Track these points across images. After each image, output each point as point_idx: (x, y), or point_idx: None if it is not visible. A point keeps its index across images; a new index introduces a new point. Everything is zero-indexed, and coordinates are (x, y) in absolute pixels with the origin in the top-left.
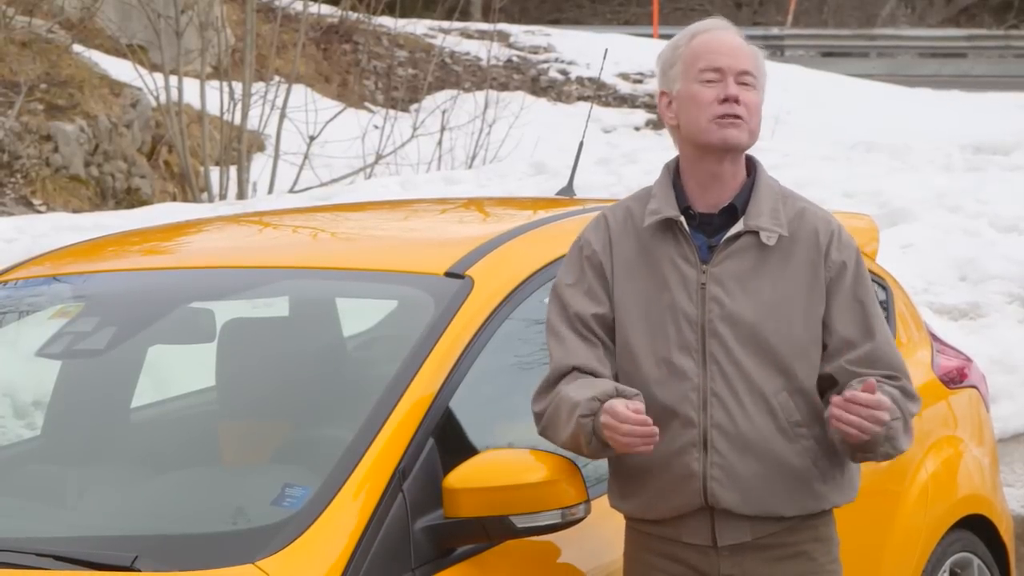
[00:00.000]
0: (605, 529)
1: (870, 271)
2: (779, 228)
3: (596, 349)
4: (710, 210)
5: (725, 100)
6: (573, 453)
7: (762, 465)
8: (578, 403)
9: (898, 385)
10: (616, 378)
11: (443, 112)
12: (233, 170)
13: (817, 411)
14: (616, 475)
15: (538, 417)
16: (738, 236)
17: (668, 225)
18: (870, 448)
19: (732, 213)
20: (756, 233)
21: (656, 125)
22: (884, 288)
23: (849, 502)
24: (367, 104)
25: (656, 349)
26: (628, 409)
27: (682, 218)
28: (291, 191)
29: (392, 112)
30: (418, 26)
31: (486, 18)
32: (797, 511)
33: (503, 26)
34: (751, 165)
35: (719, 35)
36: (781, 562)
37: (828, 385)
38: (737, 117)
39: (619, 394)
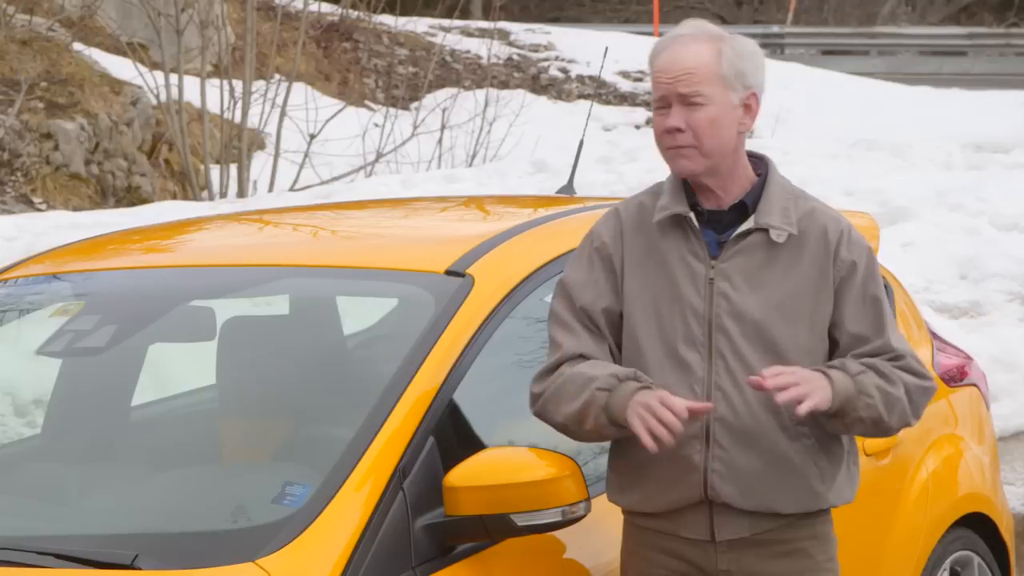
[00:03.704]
0: (606, 527)
1: None
2: (789, 227)
3: (603, 343)
4: (718, 208)
5: (667, 132)
6: (566, 436)
7: (763, 460)
8: (595, 377)
9: (898, 364)
10: None
11: (443, 110)
12: (233, 168)
13: None
14: (615, 469)
15: (535, 397)
16: (748, 233)
17: (678, 221)
18: (849, 406)
19: (743, 210)
20: (766, 231)
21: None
22: (885, 287)
23: (846, 503)
24: (367, 102)
25: (662, 342)
26: (677, 402)
27: (691, 214)
28: (291, 189)
29: (392, 110)
30: (418, 24)
31: (486, 16)
32: (795, 508)
33: (503, 24)
34: (763, 163)
35: (670, 55)
36: (779, 559)
37: None
38: (681, 147)
39: (636, 378)
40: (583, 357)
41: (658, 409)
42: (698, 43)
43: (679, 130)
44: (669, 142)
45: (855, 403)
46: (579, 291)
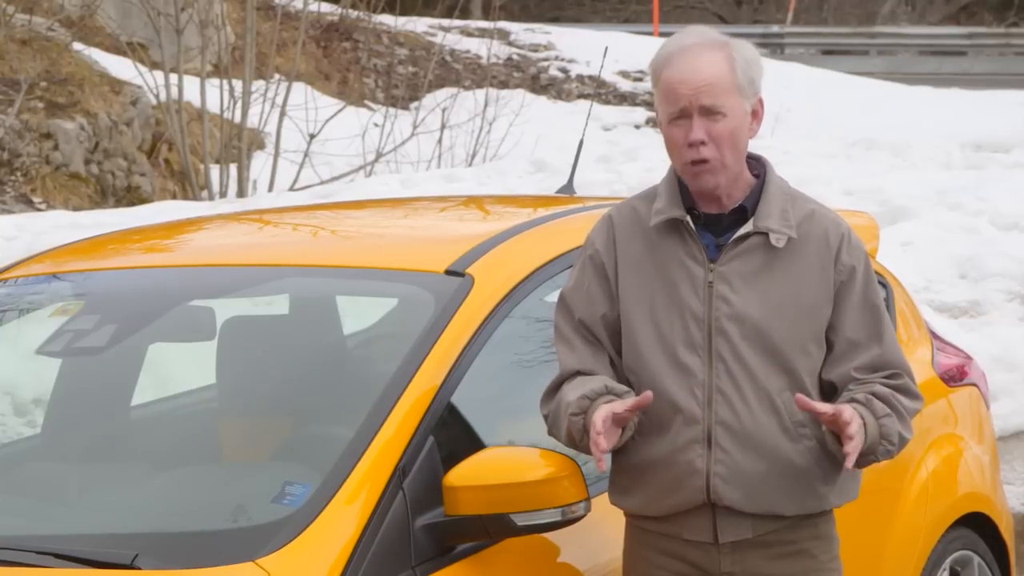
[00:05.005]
0: (605, 527)
1: None
2: (788, 230)
3: (602, 355)
4: (717, 211)
5: (690, 145)
6: (575, 451)
7: (765, 463)
8: (570, 403)
9: (896, 384)
10: (625, 380)
11: (443, 110)
12: (233, 168)
13: None
14: (617, 471)
15: (545, 419)
16: (747, 236)
17: (675, 225)
18: (870, 451)
19: (741, 212)
20: (765, 234)
21: (656, 123)
22: (885, 286)
23: (850, 500)
24: (367, 102)
25: (662, 346)
26: (600, 418)
27: (688, 218)
28: (291, 189)
29: (392, 110)
30: (418, 24)
31: (486, 16)
32: (798, 510)
33: (503, 24)
34: (760, 164)
35: (685, 66)
36: (782, 559)
37: (829, 391)
38: (705, 161)
39: (608, 391)
40: (580, 374)
41: (591, 431)
42: (710, 51)
43: (703, 143)
44: (692, 155)
45: (875, 448)
46: (575, 302)
